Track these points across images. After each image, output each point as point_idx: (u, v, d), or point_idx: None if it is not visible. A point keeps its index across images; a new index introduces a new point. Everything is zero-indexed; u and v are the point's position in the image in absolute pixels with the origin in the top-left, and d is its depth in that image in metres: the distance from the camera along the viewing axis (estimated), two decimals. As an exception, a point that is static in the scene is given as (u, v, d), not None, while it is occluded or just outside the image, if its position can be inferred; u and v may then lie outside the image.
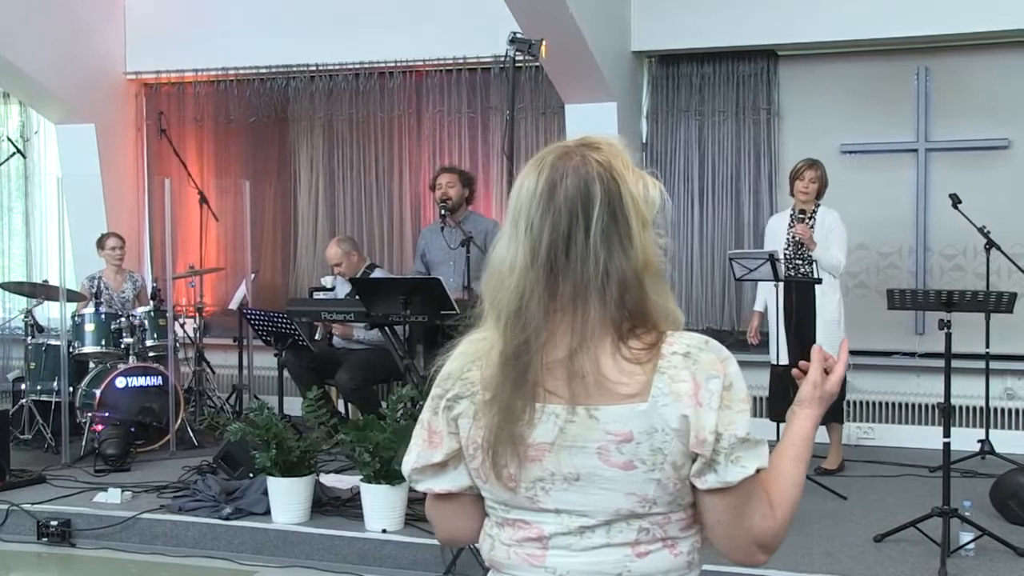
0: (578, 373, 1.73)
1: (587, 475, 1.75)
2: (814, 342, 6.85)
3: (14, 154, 9.90)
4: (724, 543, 1.82)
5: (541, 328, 1.74)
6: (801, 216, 6.93)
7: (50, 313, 9.17)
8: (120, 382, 7.66)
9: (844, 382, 6.78)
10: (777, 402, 6.94)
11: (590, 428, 1.73)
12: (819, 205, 7.00)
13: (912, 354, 8.05)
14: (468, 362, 1.84)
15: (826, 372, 2.19)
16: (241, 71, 9.70)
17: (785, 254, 6.94)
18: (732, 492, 1.75)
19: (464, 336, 1.90)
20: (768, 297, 7.03)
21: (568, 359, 1.73)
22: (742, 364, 1.83)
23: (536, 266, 1.76)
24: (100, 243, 8.61)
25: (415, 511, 5.68)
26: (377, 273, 8.21)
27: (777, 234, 7.11)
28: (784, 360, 6.75)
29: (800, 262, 6.94)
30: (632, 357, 1.73)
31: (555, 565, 1.80)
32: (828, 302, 6.87)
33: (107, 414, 7.48)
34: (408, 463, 1.91)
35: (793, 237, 6.97)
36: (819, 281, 6.70)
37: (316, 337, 8.18)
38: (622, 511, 1.76)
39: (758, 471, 1.75)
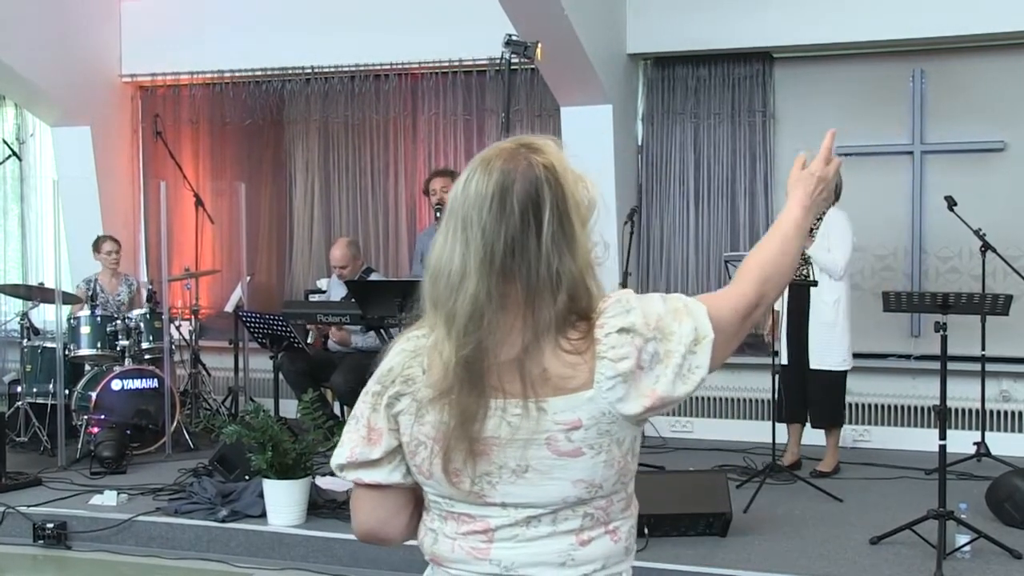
0: (529, 373, 1.77)
1: (536, 466, 1.79)
2: (806, 344, 6.86)
3: (9, 156, 9.91)
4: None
5: (495, 330, 1.77)
6: None
7: (46, 316, 9.16)
8: (116, 384, 7.65)
9: (841, 385, 6.75)
10: (782, 403, 6.92)
11: (539, 420, 1.78)
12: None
13: (908, 356, 8.05)
14: (409, 359, 1.87)
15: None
16: (237, 73, 9.69)
17: None
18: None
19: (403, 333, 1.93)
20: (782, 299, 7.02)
21: (520, 359, 1.77)
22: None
23: (490, 269, 1.78)
24: (96, 246, 8.60)
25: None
26: (373, 277, 8.21)
27: None
28: (784, 361, 6.75)
29: (799, 262, 6.93)
30: (572, 348, 1.78)
31: (499, 557, 1.83)
32: (822, 304, 6.84)
33: (103, 416, 7.47)
34: (340, 457, 1.92)
35: None
36: (815, 283, 6.67)
37: (308, 341, 8.17)
38: (569, 499, 1.82)
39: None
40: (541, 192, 1.80)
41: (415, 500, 1.94)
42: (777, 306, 7.25)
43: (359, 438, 1.89)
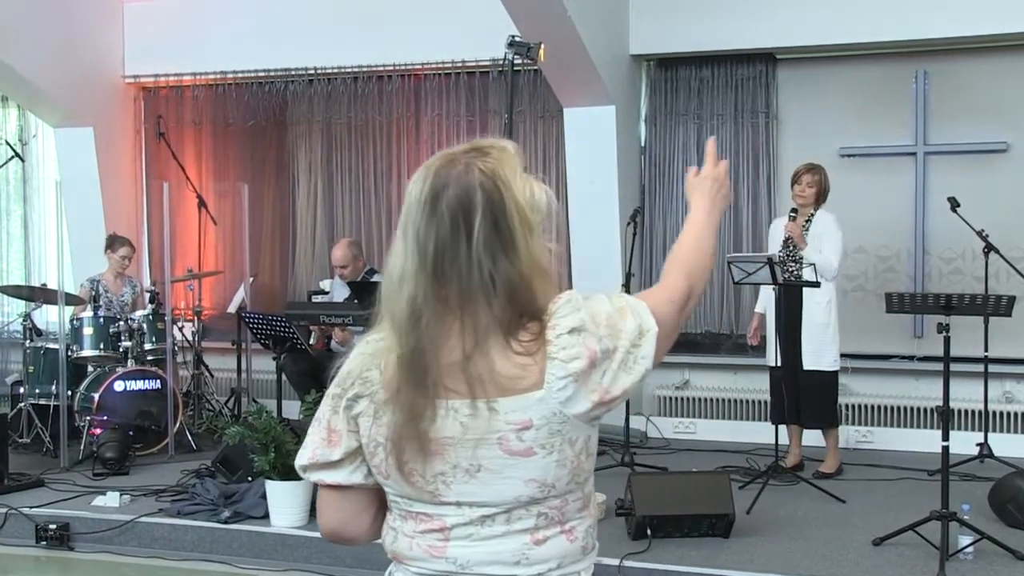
0: (474, 376, 1.80)
1: (488, 466, 1.83)
2: (800, 345, 6.86)
3: (12, 158, 9.91)
4: None
5: (433, 332, 1.81)
6: (792, 215, 6.92)
7: (48, 317, 9.17)
8: (118, 386, 7.65)
9: (834, 386, 6.78)
10: (774, 404, 6.93)
11: (491, 420, 1.81)
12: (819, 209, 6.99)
13: (911, 357, 8.05)
14: (367, 362, 1.91)
15: None
16: (239, 74, 9.70)
17: (779, 256, 6.94)
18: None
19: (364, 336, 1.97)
20: (768, 300, 7.04)
21: (463, 363, 1.81)
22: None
23: (424, 272, 1.82)
24: (111, 245, 8.53)
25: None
26: (376, 278, 8.21)
27: (776, 237, 7.12)
28: (778, 363, 6.75)
29: (794, 265, 6.93)
30: (523, 350, 1.81)
31: (455, 555, 1.87)
32: (814, 305, 6.84)
33: (105, 418, 7.47)
34: (303, 458, 1.97)
35: (786, 239, 6.97)
36: (817, 284, 6.68)
37: (311, 341, 8.16)
38: (522, 498, 1.85)
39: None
40: (473, 197, 1.82)
41: (379, 501, 1.98)
42: (759, 308, 7.26)
43: (320, 440, 1.95)
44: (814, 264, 6.77)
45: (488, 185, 1.83)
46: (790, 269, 6.92)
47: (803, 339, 6.84)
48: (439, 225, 1.82)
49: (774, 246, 7.08)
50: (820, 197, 6.98)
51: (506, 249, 1.81)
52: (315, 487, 6.17)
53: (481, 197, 1.82)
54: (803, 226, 6.90)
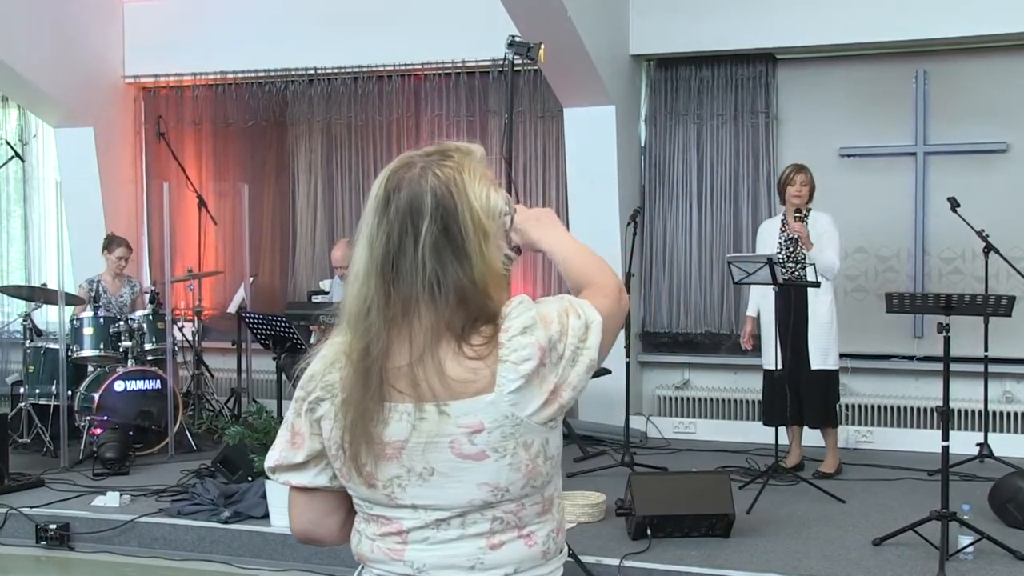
0: (422, 379, 1.80)
1: (441, 469, 1.83)
2: (806, 345, 6.86)
3: (12, 158, 9.91)
4: None
5: (381, 334, 1.82)
6: (797, 216, 6.93)
7: (49, 317, 9.18)
8: (119, 386, 7.65)
9: (837, 385, 6.77)
10: (772, 406, 6.93)
11: (442, 423, 1.81)
12: (810, 208, 7.00)
13: (911, 358, 8.06)
14: (328, 364, 1.92)
15: None
16: (239, 75, 9.70)
17: (779, 257, 6.94)
18: None
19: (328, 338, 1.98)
20: (761, 302, 7.04)
21: (409, 368, 1.81)
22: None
23: (375, 274, 1.84)
24: (108, 246, 8.53)
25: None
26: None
27: (767, 240, 7.11)
28: (779, 364, 6.74)
29: (793, 265, 6.93)
30: (475, 354, 1.81)
31: (413, 559, 1.88)
32: (820, 305, 6.87)
33: (106, 418, 7.48)
34: (271, 459, 1.98)
35: (786, 240, 6.97)
36: (817, 284, 6.69)
37: (312, 341, 8.16)
38: (475, 502, 1.85)
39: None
40: (423, 201, 1.82)
41: (348, 503, 1.99)
42: (751, 312, 7.26)
43: (285, 442, 1.96)
44: (814, 264, 6.78)
45: (440, 190, 1.83)
46: (789, 269, 6.92)
47: (810, 339, 6.85)
48: (389, 228, 1.83)
49: (764, 248, 7.06)
50: (811, 195, 7.00)
51: (457, 254, 1.82)
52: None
53: (431, 202, 1.82)
54: (805, 222, 6.92)
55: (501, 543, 1.87)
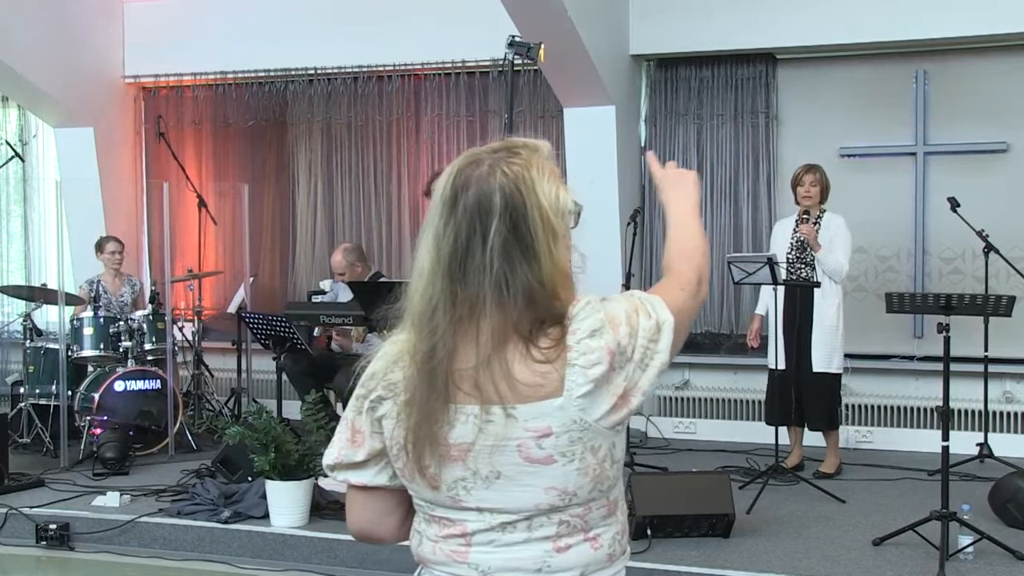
0: (490, 381, 1.76)
1: (508, 472, 1.80)
2: (810, 348, 6.86)
3: (12, 158, 9.91)
4: None
5: (447, 335, 1.78)
6: (806, 217, 6.93)
7: (49, 317, 9.18)
8: (119, 386, 7.65)
9: (839, 388, 6.76)
10: (774, 406, 6.93)
11: (509, 426, 1.77)
12: (824, 210, 7.00)
13: (911, 357, 8.05)
14: (391, 363, 1.88)
15: None
16: (239, 74, 9.70)
17: (788, 257, 6.94)
18: None
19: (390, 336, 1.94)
20: (770, 302, 7.04)
21: (475, 370, 1.77)
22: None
23: (441, 273, 1.79)
24: (99, 247, 8.57)
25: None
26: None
27: (781, 239, 7.11)
28: (782, 365, 6.74)
29: (802, 266, 6.93)
30: (543, 357, 1.77)
31: (477, 561, 1.85)
32: (827, 307, 6.87)
33: (105, 418, 7.47)
34: (329, 456, 1.95)
35: (797, 240, 6.97)
36: (818, 285, 6.70)
37: (315, 334, 8.14)
38: (542, 506, 1.81)
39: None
40: (491, 199, 1.79)
41: (407, 503, 1.96)
42: (760, 310, 7.26)
43: (345, 440, 1.93)
44: (818, 265, 6.78)
45: (509, 188, 1.79)
46: (797, 270, 6.92)
47: (813, 341, 6.84)
48: (457, 227, 1.79)
49: (778, 248, 7.06)
50: (824, 195, 6.99)
51: (525, 254, 1.78)
52: (315, 487, 6.19)
53: (500, 200, 1.78)
54: (815, 227, 6.91)
55: (567, 546, 1.84)
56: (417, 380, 1.79)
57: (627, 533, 1.97)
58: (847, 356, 7.27)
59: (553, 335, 1.78)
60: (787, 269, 6.88)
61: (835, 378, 6.96)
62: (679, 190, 2.14)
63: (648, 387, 1.83)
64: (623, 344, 1.79)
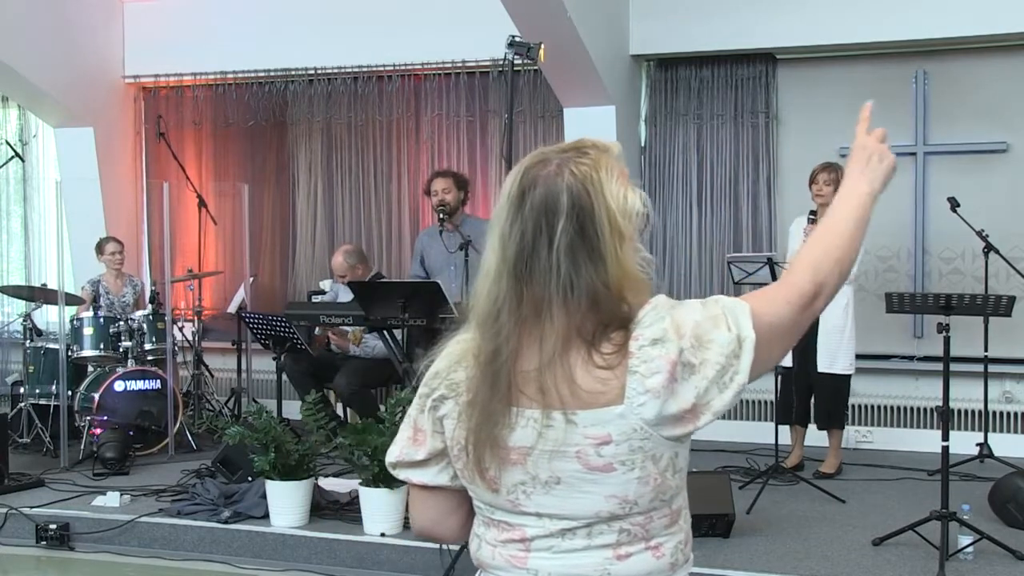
0: (551, 386, 1.74)
1: (567, 479, 1.77)
2: (814, 348, 6.85)
3: (12, 158, 9.91)
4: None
5: (511, 336, 1.76)
6: (812, 217, 6.91)
7: (49, 317, 9.17)
8: (119, 386, 7.65)
9: (846, 389, 6.73)
10: (783, 405, 6.91)
11: (569, 432, 1.75)
12: None
13: (911, 358, 8.05)
14: (454, 363, 1.87)
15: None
16: (239, 74, 9.70)
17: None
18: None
19: (453, 335, 1.92)
20: None
21: (538, 372, 1.75)
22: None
23: (507, 273, 1.77)
24: (99, 248, 8.57)
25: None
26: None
27: (796, 237, 7.08)
28: (787, 363, 6.74)
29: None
30: (604, 363, 1.74)
31: (537, 567, 1.82)
32: (833, 307, 6.82)
33: (106, 418, 7.48)
34: (392, 454, 1.94)
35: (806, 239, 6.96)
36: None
37: (316, 332, 8.12)
38: (602, 514, 1.79)
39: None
40: (559, 199, 1.76)
41: (469, 503, 1.94)
42: None
43: (406, 438, 1.92)
44: None
45: (577, 188, 1.76)
46: None
47: (818, 342, 6.82)
48: (523, 226, 1.77)
49: (793, 246, 7.04)
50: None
51: (592, 256, 1.74)
52: (315, 487, 6.18)
53: (567, 200, 1.75)
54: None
55: (628, 554, 1.82)
56: (480, 381, 1.78)
57: (690, 541, 1.94)
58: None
59: (616, 340, 1.75)
60: None
61: (839, 379, 6.91)
62: (866, 173, 2.04)
63: (722, 409, 1.76)
64: (685, 354, 1.73)
